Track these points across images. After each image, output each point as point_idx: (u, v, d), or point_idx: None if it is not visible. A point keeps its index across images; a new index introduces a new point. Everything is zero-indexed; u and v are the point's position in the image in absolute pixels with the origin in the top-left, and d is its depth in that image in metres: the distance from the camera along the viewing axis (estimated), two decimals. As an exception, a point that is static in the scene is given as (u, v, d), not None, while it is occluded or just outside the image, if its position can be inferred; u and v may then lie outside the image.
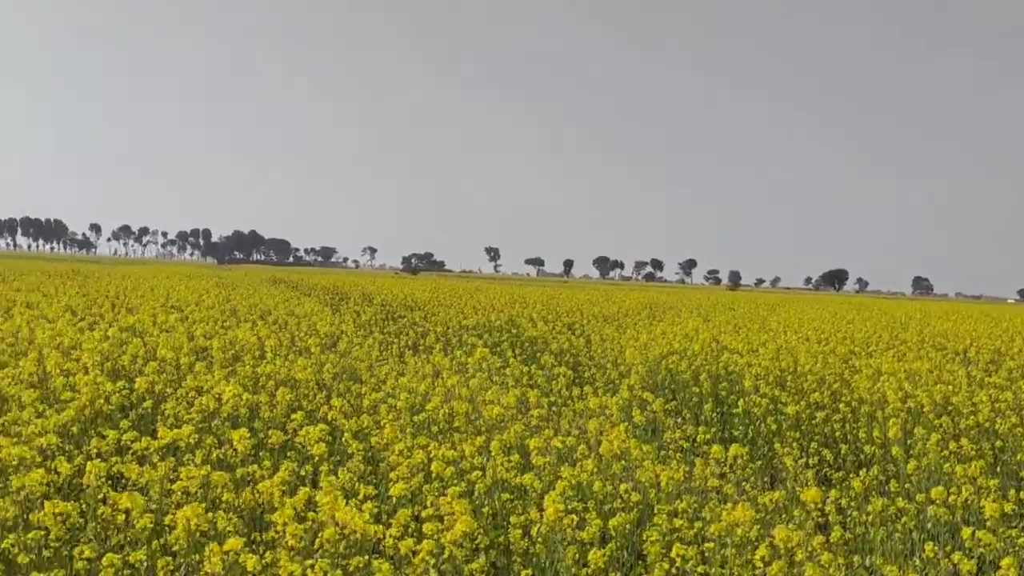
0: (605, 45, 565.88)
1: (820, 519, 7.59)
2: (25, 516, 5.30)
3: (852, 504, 7.81)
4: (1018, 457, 9.13)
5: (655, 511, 6.21)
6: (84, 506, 5.48)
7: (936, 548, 6.30)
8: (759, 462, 10.31)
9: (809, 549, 5.78)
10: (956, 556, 5.59)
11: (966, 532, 5.31)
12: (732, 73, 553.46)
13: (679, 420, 12.53)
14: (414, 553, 4.65)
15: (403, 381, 10.61)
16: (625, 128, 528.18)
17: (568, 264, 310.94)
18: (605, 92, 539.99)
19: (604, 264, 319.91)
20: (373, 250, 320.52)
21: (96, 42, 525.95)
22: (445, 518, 5.05)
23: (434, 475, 6.16)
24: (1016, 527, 6.56)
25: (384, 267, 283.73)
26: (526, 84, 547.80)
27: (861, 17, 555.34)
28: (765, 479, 10.57)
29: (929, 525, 6.92)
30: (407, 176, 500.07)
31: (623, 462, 7.47)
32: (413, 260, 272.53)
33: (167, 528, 4.99)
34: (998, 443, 10.11)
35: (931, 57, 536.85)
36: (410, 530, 5.24)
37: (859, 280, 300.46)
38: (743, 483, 8.61)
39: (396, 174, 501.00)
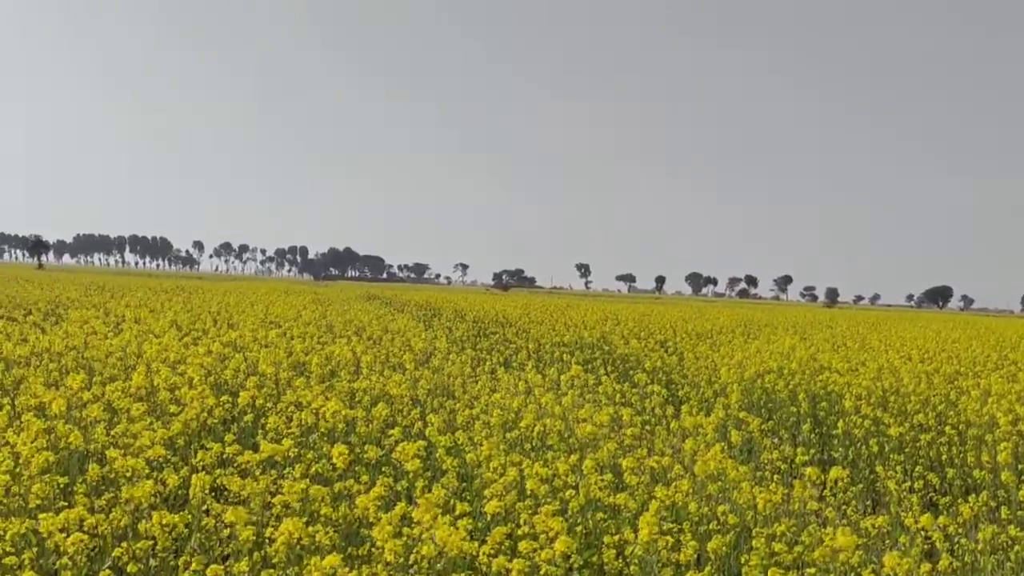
0: (694, 53, 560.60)
1: (926, 546, 7.34)
2: (134, 526, 5.49)
3: (960, 531, 7.51)
4: None
5: (753, 534, 6.08)
6: (190, 517, 5.65)
7: (1053, 580, 6.01)
8: (860, 485, 10.00)
9: (915, 577, 5.58)
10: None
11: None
12: (829, 86, 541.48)
13: (776, 440, 12.27)
14: (507, 571, 4.64)
15: (496, 398, 10.66)
16: (719, 142, 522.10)
17: (660, 280, 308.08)
18: (702, 104, 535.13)
19: (697, 280, 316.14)
20: (465, 266, 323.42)
21: (196, 64, 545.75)
22: (540, 536, 5.04)
23: (528, 493, 6.16)
24: None
25: (475, 283, 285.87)
26: (618, 98, 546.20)
27: (976, 23, 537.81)
28: (867, 503, 10.25)
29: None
30: (498, 193, 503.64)
31: (719, 483, 7.34)
32: (504, 276, 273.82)
33: (267, 540, 5.10)
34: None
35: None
36: (504, 547, 5.25)
37: (964, 297, 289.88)
38: (844, 507, 8.38)
39: (487, 191, 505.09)
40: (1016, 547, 6.90)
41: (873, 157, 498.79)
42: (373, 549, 4.81)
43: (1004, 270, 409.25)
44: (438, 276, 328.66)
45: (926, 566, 6.05)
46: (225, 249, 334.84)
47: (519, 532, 5.41)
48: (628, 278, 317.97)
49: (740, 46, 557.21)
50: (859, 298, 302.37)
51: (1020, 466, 9.23)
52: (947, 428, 11.40)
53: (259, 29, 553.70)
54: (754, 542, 5.88)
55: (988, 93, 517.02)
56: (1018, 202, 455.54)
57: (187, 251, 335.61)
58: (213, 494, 6.36)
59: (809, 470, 7.76)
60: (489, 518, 5.57)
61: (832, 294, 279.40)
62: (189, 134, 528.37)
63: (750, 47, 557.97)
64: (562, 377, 12.71)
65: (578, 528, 6.31)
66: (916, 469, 10.24)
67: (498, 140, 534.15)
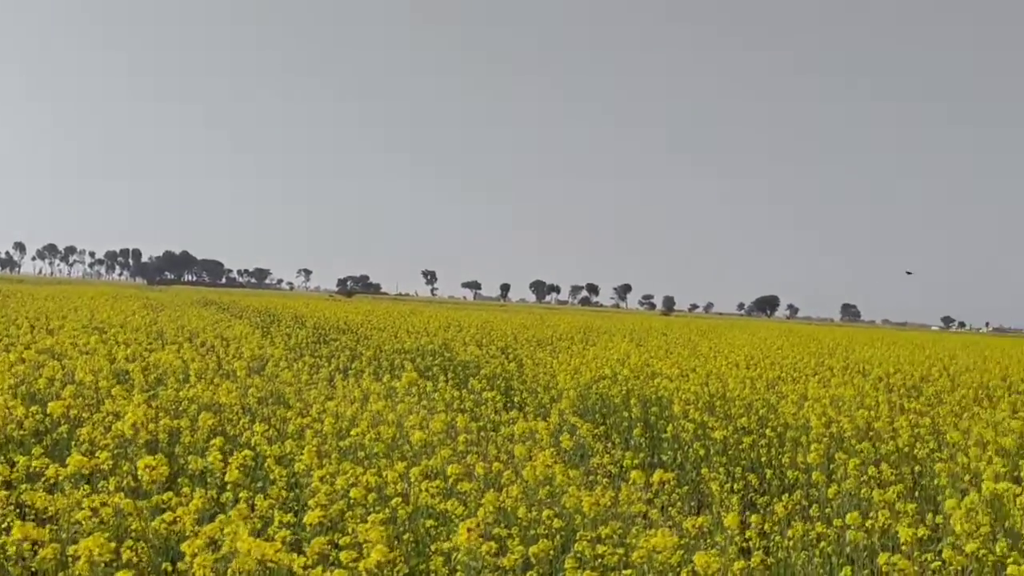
0: (535, 75, 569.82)
1: (745, 544, 7.68)
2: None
3: (775, 529, 7.90)
4: (935, 482, 9.33)
5: (578, 537, 6.19)
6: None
7: (853, 572, 6.39)
8: (686, 487, 10.38)
9: (729, 574, 5.82)
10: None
11: (882, 557, 5.39)
12: (674, 95, 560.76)
13: (608, 445, 12.60)
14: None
15: (331, 406, 10.47)
16: (562, 153, 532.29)
17: (505, 288, 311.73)
18: (545, 118, 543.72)
19: (541, 288, 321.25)
20: (308, 272, 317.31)
21: (19, 54, 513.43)
22: (364, 546, 4.96)
23: (354, 502, 6.07)
24: (931, 551, 6.68)
25: (319, 289, 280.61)
26: (466, 108, 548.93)
27: (748, 22, 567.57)
28: (692, 504, 10.64)
29: (848, 549, 7.02)
30: (343, 198, 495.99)
31: (549, 487, 7.44)
32: (348, 283, 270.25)
33: (72, 559, 4.81)
34: (916, 468, 10.33)
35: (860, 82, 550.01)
36: (330, 559, 5.15)
37: (790, 307, 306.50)
38: (670, 508, 8.67)
39: (332, 196, 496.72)
40: (822, 543, 7.30)
41: (708, 173, 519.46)
42: (185, 565, 4.60)
43: (825, 280, 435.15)
44: (280, 282, 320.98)
45: (741, 563, 6.33)
46: (50, 251, 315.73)
47: (343, 542, 5.32)
48: (474, 285, 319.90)
49: (545, 45, 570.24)
50: (694, 306, 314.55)
51: (831, 465, 9.77)
52: (767, 431, 11.97)
53: (65, 26, 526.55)
54: (576, 545, 5.99)
55: (801, 97, 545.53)
56: (843, 218, 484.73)
57: (7, 253, 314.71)
58: (19, 511, 5.97)
59: (635, 473, 7.98)
60: (307, 529, 5.45)
61: (669, 302, 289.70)
62: (9, 127, 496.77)
63: (588, 82, 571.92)
64: (397, 384, 12.62)
65: (405, 536, 6.26)
66: (737, 470, 10.69)
67: (341, 141, 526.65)
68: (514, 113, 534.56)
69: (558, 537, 6.36)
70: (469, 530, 4.64)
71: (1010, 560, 5.55)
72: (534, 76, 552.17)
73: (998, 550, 5.96)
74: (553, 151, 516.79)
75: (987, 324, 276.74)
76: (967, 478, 8.98)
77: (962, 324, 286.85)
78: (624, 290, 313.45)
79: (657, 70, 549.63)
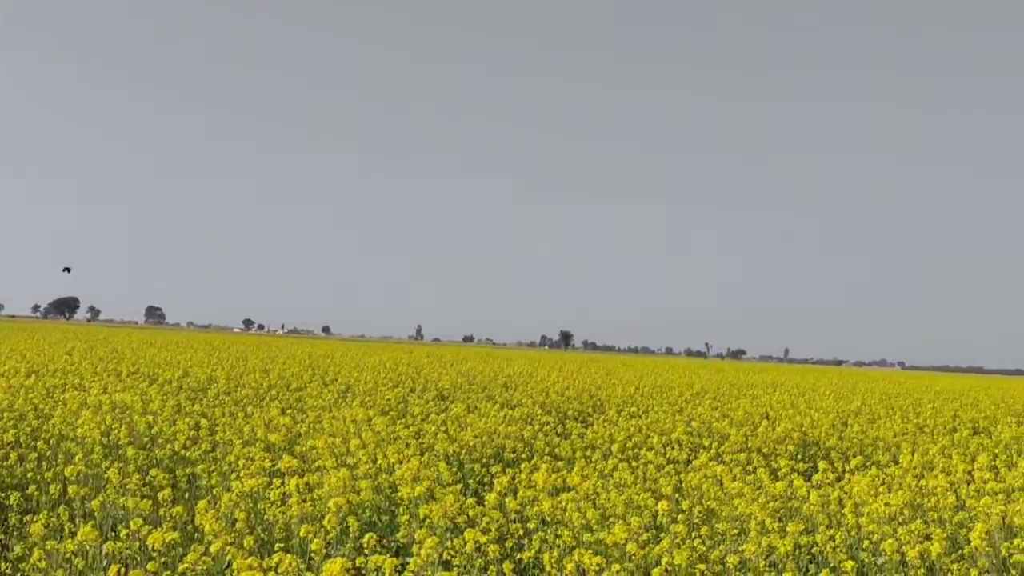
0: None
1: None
2: None
3: (33, 552, 7.37)
4: (206, 482, 9.66)
5: None
6: None
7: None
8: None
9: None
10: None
11: (113, 570, 5.35)
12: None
13: None
14: None
15: None
16: None
17: None
18: None
19: None
20: None
21: None
22: None
23: None
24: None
25: None
26: None
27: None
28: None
29: (105, 563, 6.86)
30: None
31: None
32: None
33: None
34: (190, 470, 10.55)
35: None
36: None
37: (91, 308, 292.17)
38: None
39: None
40: (76, 558, 7.00)
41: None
42: None
43: (131, 282, 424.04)
44: None
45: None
46: None
47: None
48: None
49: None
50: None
51: (107, 475, 9.46)
52: (39, 443, 11.17)
53: None
54: None
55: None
56: (182, 215, 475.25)
57: None
58: None
59: None
60: None
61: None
62: None
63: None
64: None
65: None
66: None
67: None
68: None
69: None
70: None
71: (235, 558, 5.92)
72: None
73: (246, 545, 6.33)
74: None
75: (283, 326, 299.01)
76: (233, 476, 9.46)
77: (261, 326, 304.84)
78: None
79: None
